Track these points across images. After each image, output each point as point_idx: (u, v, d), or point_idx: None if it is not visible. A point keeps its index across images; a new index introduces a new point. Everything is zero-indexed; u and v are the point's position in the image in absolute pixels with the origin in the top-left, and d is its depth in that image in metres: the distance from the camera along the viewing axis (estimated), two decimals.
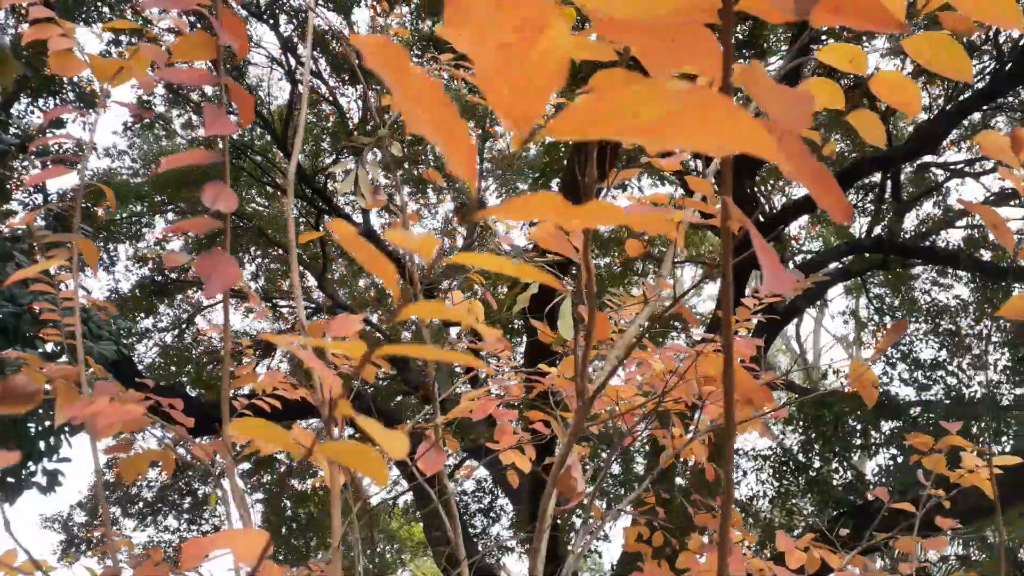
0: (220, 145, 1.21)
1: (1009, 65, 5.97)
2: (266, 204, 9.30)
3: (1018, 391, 6.96)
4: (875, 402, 0.85)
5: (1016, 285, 8.00)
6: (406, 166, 9.50)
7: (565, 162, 8.04)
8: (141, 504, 9.15)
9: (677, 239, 0.78)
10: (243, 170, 7.69)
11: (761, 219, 7.19)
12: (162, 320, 9.51)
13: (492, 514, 10.17)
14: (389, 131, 1.44)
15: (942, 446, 1.28)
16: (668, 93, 0.22)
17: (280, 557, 10.41)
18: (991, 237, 8.81)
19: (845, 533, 1.90)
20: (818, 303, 13.42)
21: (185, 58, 0.79)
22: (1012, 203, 8.40)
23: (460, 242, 10.75)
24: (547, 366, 1.66)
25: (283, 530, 9.88)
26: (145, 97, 7.11)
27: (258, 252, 9.35)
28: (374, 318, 11.00)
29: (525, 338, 8.38)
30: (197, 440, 1.75)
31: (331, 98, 7.16)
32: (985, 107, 7.27)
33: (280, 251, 9.14)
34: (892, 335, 0.79)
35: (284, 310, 10.24)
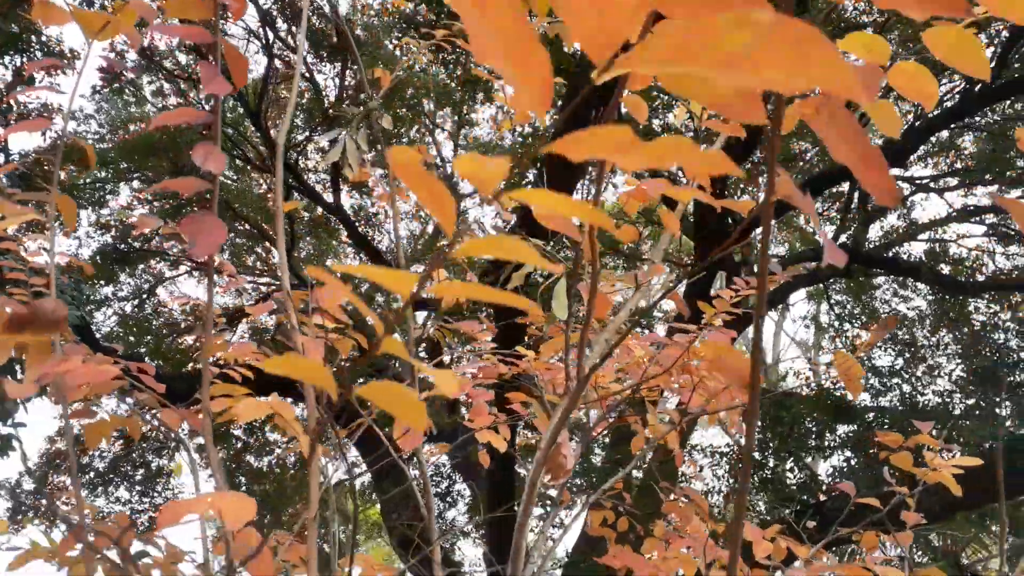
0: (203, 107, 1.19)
1: (979, 86, 6.11)
2: (235, 178, 9.16)
3: (969, 401, 7.15)
4: (859, 393, 0.87)
5: (972, 299, 8.21)
6: (378, 146, 9.42)
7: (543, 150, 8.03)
8: (92, 474, 9.00)
9: (672, 224, 0.79)
10: (227, 136, 7.56)
11: (731, 220, 7.28)
12: (122, 289, 9.34)
13: (449, 498, 10.19)
14: (379, 104, 1.43)
15: (911, 444, 1.32)
16: (759, 22, 0.22)
17: None
18: (951, 251, 9.02)
19: (812, 526, 1.95)
20: (780, 307, 13.62)
21: (178, 15, 0.78)
22: (973, 220, 8.60)
23: (431, 227, 10.71)
24: (523, 349, 1.67)
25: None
26: (114, 63, 6.95)
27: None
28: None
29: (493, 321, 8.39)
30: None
31: (307, 75, 7.07)
32: (953, 126, 7.43)
33: (247, 226, 9.01)
34: (881, 331, 0.81)
35: (248, 285, 10.11)
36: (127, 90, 7.61)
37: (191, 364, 8.94)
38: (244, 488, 9.69)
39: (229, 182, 8.96)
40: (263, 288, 9.99)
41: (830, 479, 6.37)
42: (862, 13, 7.34)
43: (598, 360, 0.80)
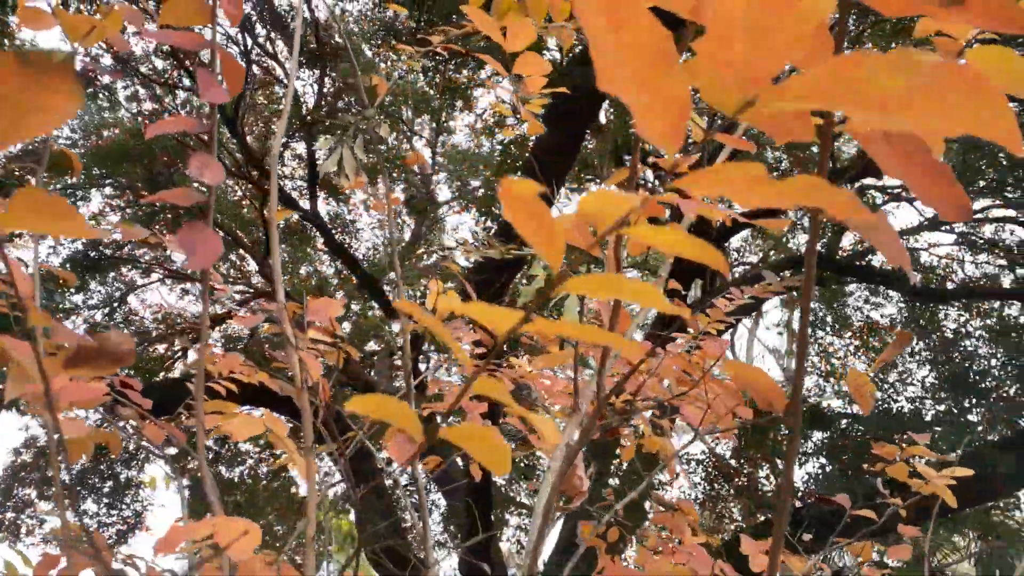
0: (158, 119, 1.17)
1: None
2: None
3: (940, 407, 7.25)
4: (870, 408, 0.87)
5: (943, 306, 8.34)
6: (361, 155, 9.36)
7: (521, 163, 8.05)
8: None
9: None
10: (189, 147, 7.47)
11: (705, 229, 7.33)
12: (92, 297, 9.18)
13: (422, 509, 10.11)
14: (376, 111, 1.40)
15: (907, 455, 1.33)
16: (922, 66, 0.21)
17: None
18: (923, 259, 9.16)
19: (808, 538, 1.95)
20: (754, 314, 13.76)
21: (173, 21, 0.76)
22: (943, 228, 8.75)
23: (408, 234, 10.66)
24: (515, 359, 1.65)
25: (208, 517, 9.65)
26: (91, 67, 6.84)
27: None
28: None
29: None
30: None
31: (285, 81, 7.01)
32: None
33: (223, 233, 8.91)
34: (896, 348, 0.81)
35: (219, 294, 9.98)
36: (101, 95, 7.49)
37: (163, 374, 8.80)
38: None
39: (203, 190, 8.86)
40: (236, 296, 9.87)
41: (805, 486, 6.43)
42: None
43: (622, 380, 0.79)
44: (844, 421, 6.59)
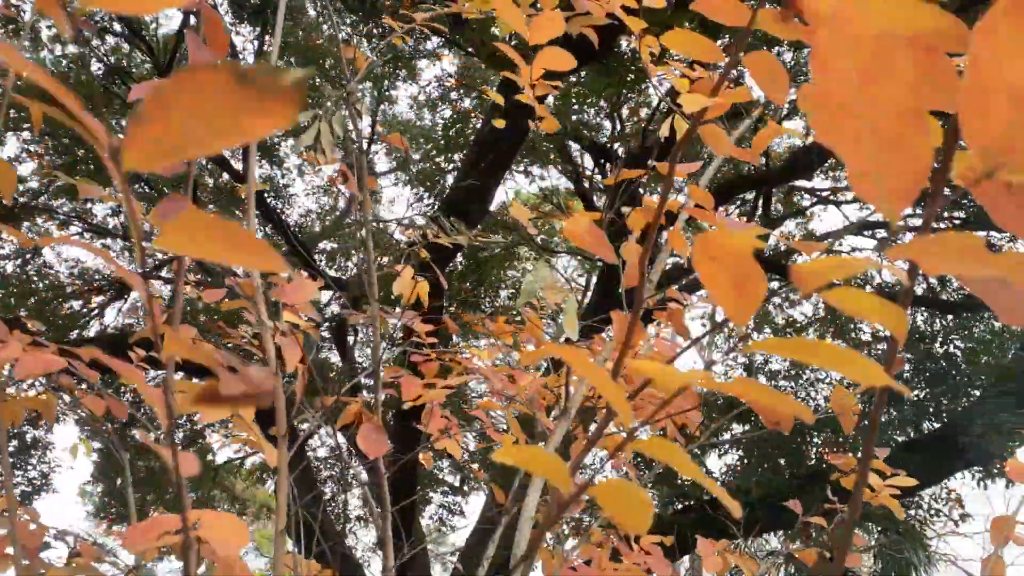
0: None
1: None
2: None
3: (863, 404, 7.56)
4: (852, 428, 0.89)
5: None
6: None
7: (464, 141, 7.99)
8: None
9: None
10: (118, 97, 7.13)
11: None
12: (3, 247, 8.71)
13: (343, 482, 10.05)
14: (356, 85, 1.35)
15: (846, 467, 1.37)
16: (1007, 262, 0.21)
17: (112, 511, 9.86)
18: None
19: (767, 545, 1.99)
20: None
21: None
22: (866, 233, 9.09)
23: (342, 203, 10.46)
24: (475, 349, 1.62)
25: (119, 482, 9.35)
26: (15, 2, 6.44)
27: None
28: (240, 270, 10.49)
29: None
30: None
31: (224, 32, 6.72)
32: None
33: (146, 187, 8.56)
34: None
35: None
36: (23, 32, 7.05)
37: (77, 331, 8.44)
38: (128, 462, 9.23)
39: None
40: (160, 256, 9.52)
41: (723, 476, 6.62)
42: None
43: (638, 388, 0.77)
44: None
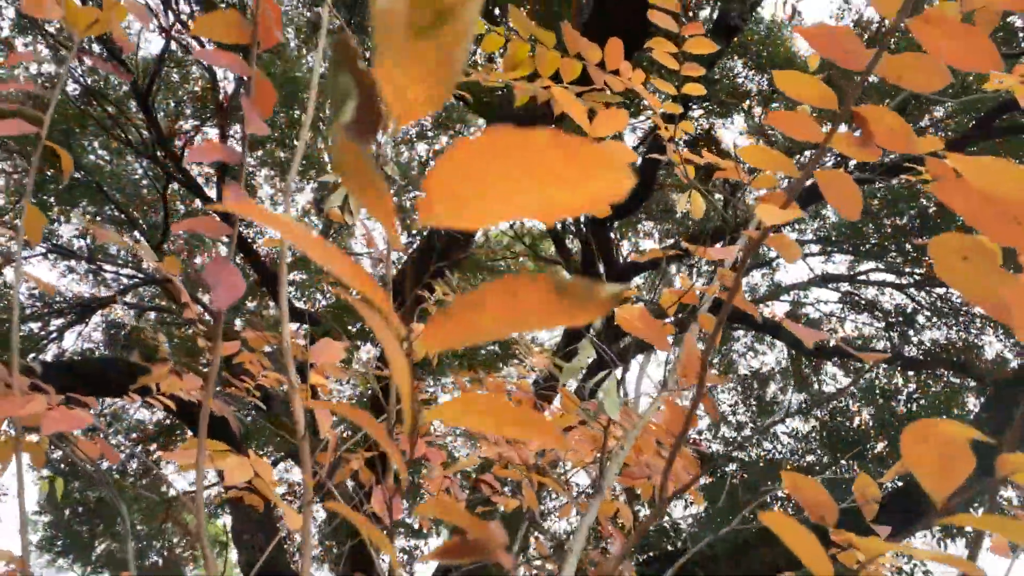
0: (58, 82, 1.10)
1: (852, 163, 6.62)
2: (109, 159, 8.60)
3: (810, 458, 7.62)
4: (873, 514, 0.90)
5: (827, 361, 8.80)
6: (268, 146, 9.11)
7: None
8: None
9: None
10: (91, 117, 7.07)
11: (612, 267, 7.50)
12: None
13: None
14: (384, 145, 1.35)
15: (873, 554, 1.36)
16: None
17: (58, 544, 9.52)
18: (809, 314, 9.65)
19: None
20: (647, 352, 14.16)
21: (207, 35, 0.70)
22: (830, 286, 9.26)
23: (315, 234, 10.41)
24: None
25: (67, 513, 9.05)
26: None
27: (91, 208, 8.61)
28: (206, 298, 10.39)
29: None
30: None
31: (204, 62, 6.73)
32: (821, 199, 8.00)
33: (116, 211, 8.45)
34: (900, 468, 0.84)
35: (108, 275, 9.47)
36: (2, 51, 6.99)
37: (33, 354, 8.22)
38: (77, 494, 8.96)
39: (102, 163, 8.40)
40: (124, 280, 9.38)
41: (689, 527, 6.60)
42: (745, 80, 7.82)
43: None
44: (730, 466, 6.82)
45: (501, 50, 1.17)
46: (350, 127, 0.23)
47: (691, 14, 6.25)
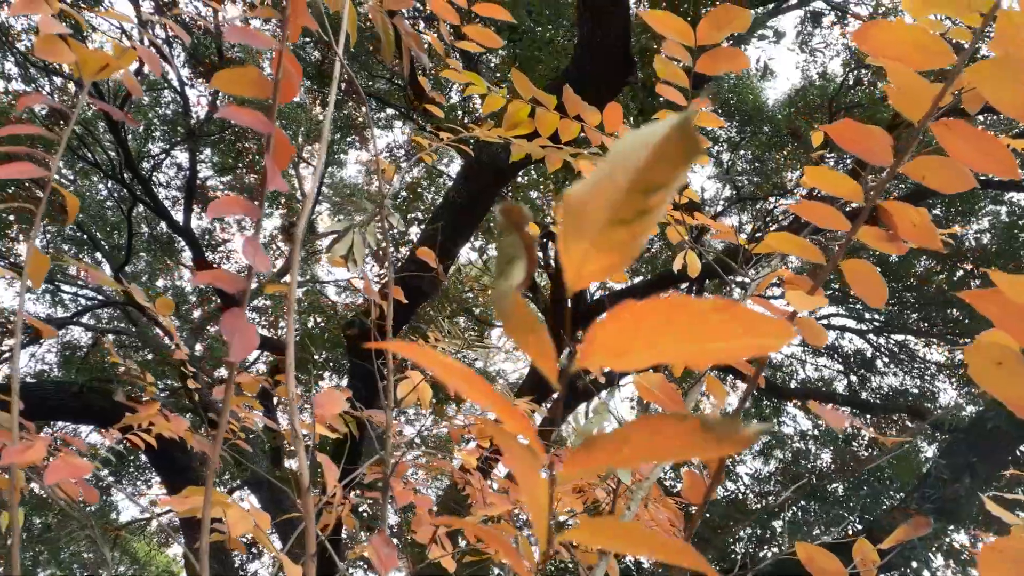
0: (67, 125, 1.09)
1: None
2: (73, 179, 8.46)
3: (771, 498, 7.67)
4: None
5: (787, 401, 8.91)
6: (237, 171, 9.04)
7: (407, 207, 8.03)
8: None
9: None
10: (59, 137, 6.95)
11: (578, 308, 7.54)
12: None
13: (253, 550, 9.62)
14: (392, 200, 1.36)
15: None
16: None
17: None
18: (771, 356, 9.79)
19: None
20: (611, 387, 14.21)
21: (226, 89, 0.70)
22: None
23: (280, 263, 10.32)
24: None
25: (8, 540, 8.72)
26: None
27: (50, 227, 8.44)
28: (176, 322, 10.21)
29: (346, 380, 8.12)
30: None
31: (179, 87, 6.68)
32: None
33: (79, 231, 8.29)
34: (910, 531, 0.85)
35: (66, 296, 9.27)
36: None
37: None
38: (25, 520, 8.66)
39: (66, 182, 8.25)
40: (84, 301, 9.18)
41: (651, 564, 6.58)
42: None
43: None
44: (693, 507, 6.82)
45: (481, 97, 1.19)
46: (517, 285, 0.25)
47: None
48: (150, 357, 8.51)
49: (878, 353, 8.86)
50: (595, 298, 8.41)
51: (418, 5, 6.69)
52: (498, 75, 7.30)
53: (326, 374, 7.90)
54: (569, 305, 7.04)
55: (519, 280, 0.24)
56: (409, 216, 7.87)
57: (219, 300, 7.75)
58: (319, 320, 7.89)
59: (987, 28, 0.51)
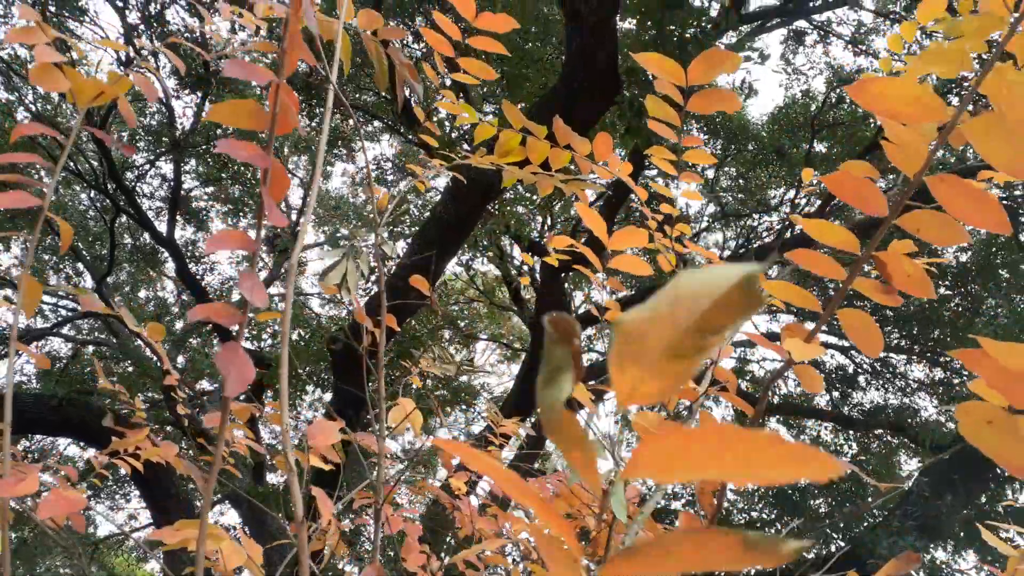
0: (61, 157, 1.09)
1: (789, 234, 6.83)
2: (55, 188, 8.38)
3: (756, 514, 7.69)
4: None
5: (768, 418, 8.94)
6: (222, 182, 9.00)
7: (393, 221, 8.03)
8: None
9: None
10: (40, 146, 6.91)
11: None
12: None
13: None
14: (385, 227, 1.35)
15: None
16: None
17: None
18: (751, 370, 9.84)
19: None
20: (595, 401, 14.23)
21: (224, 121, 0.70)
22: (776, 342, 9.45)
23: (264, 273, 10.27)
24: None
25: None
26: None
27: (30, 236, 8.34)
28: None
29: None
30: None
31: (164, 98, 6.65)
32: (765, 259, 8.24)
33: (59, 241, 8.21)
34: (900, 566, 0.85)
35: (46, 306, 9.17)
36: None
37: None
38: None
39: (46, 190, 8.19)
40: (64, 312, 9.09)
41: None
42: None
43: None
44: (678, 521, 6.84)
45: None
46: (565, 397, 0.25)
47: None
48: (131, 369, 8.42)
49: (859, 369, 8.93)
50: (579, 312, 8.42)
51: (420, 22, 6.71)
52: (484, 89, 7.32)
53: (309, 387, 7.85)
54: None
55: (567, 391, 0.24)
56: (395, 229, 7.85)
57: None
58: (303, 333, 7.85)
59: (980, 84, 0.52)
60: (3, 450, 0.77)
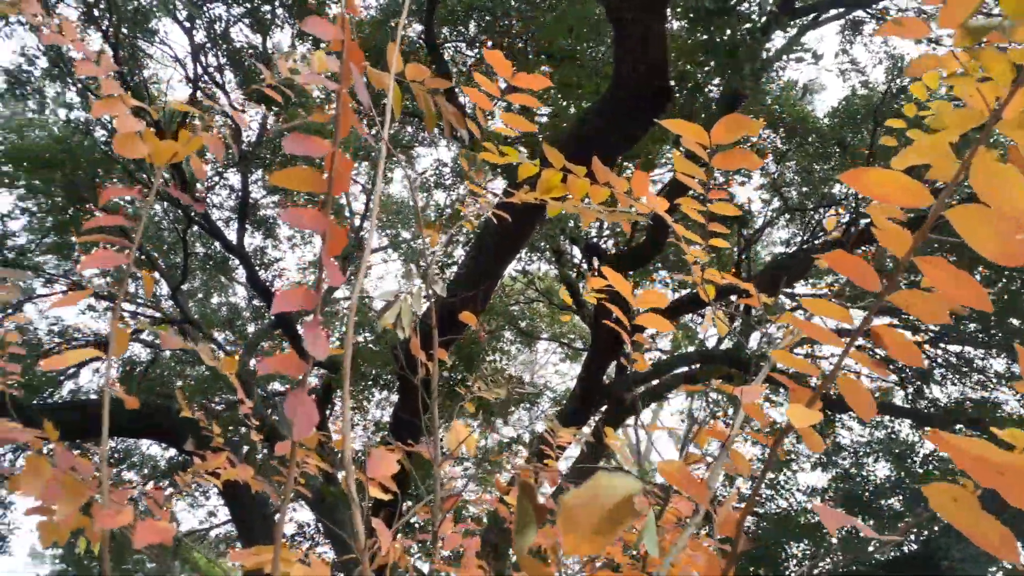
0: (142, 216, 1.18)
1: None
2: (131, 200, 8.76)
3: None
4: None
5: (839, 414, 8.74)
6: (288, 191, 9.25)
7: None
8: None
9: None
10: (116, 162, 7.23)
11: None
12: None
13: (305, 561, 9.79)
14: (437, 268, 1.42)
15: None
16: None
17: None
18: (820, 365, 9.62)
19: None
20: (659, 401, 14.10)
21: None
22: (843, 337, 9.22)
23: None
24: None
25: (76, 548, 9.05)
26: (26, 68, 6.58)
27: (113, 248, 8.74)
28: (220, 338, 10.48)
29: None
30: None
31: (229, 112, 6.86)
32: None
33: (137, 251, 8.58)
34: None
35: (126, 313, 9.58)
36: (32, 97, 7.19)
37: (50, 391, 8.30)
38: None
39: (124, 204, 8.56)
40: (142, 317, 9.49)
41: None
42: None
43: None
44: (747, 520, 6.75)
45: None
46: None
47: (701, 85, 6.35)
48: (207, 373, 8.74)
49: (934, 364, 8.65)
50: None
51: (472, 29, 6.77)
52: (544, 96, 7.34)
53: (375, 390, 8.02)
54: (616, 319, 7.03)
55: (531, 539, 0.31)
56: (452, 235, 7.95)
57: (273, 318, 7.94)
58: (368, 336, 8.02)
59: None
60: (103, 486, 0.84)
